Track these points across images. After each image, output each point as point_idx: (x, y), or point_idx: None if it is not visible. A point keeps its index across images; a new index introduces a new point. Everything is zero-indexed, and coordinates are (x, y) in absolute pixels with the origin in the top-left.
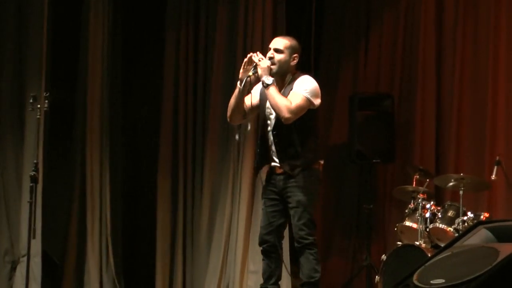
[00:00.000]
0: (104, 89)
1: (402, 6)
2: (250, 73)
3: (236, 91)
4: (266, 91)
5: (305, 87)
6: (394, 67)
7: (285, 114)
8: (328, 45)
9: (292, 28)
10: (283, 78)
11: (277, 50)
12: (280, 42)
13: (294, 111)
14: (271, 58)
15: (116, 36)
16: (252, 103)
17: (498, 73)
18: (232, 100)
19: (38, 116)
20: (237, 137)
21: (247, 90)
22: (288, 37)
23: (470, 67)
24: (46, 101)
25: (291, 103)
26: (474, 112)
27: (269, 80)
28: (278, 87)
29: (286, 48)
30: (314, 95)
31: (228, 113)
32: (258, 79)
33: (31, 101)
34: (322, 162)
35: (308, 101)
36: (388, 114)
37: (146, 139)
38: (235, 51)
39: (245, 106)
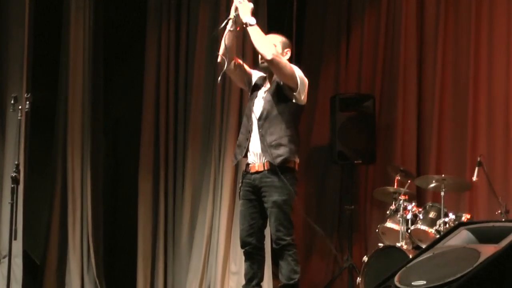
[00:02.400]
0: (85, 90)
1: (383, 6)
2: (231, 15)
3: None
4: (249, 30)
5: (297, 71)
6: (375, 67)
7: (269, 54)
8: (309, 45)
9: (273, 28)
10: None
11: None
12: (273, 36)
13: (279, 59)
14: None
15: (97, 36)
16: (248, 70)
17: (479, 73)
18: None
19: (19, 117)
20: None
21: (233, 30)
22: (281, 35)
23: (451, 68)
24: (27, 102)
25: (277, 51)
26: (455, 113)
27: (252, 20)
28: (268, 79)
29: (279, 42)
30: (302, 83)
31: (220, 52)
32: (241, 25)
33: (12, 102)
34: (298, 161)
35: (294, 76)
36: (370, 115)
37: (127, 139)
38: (216, 49)
39: (241, 64)
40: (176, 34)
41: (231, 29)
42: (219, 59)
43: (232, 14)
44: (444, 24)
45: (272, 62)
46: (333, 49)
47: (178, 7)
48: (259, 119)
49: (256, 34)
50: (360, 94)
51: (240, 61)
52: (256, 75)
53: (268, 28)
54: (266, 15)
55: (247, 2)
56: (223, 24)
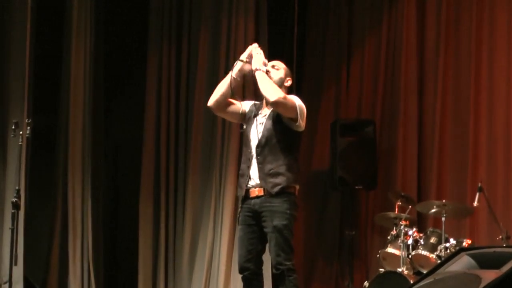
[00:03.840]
0: (86, 115)
1: (383, 32)
2: (243, 58)
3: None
4: (256, 74)
5: (297, 100)
6: (376, 93)
7: (275, 96)
8: (310, 70)
9: (274, 52)
10: None
11: (274, 67)
12: (278, 62)
13: (284, 99)
14: (268, 72)
15: (98, 61)
16: (239, 107)
17: (480, 99)
18: (220, 84)
19: (20, 143)
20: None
21: (236, 77)
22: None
23: (452, 92)
24: (28, 127)
25: (282, 93)
26: (456, 138)
27: (263, 68)
28: (265, 105)
29: (283, 68)
30: (301, 111)
31: (213, 97)
32: (250, 72)
33: (13, 127)
34: (298, 187)
35: (295, 108)
36: (370, 140)
37: (128, 165)
38: (217, 74)
39: (232, 104)
40: (177, 57)
41: (235, 76)
42: (210, 104)
43: (244, 57)
44: (444, 50)
45: (275, 104)
46: (333, 75)
47: (178, 33)
48: (257, 146)
49: (263, 79)
50: (361, 119)
51: (232, 101)
52: (248, 105)
53: (269, 54)
54: (267, 40)
55: (262, 55)
56: (235, 64)
